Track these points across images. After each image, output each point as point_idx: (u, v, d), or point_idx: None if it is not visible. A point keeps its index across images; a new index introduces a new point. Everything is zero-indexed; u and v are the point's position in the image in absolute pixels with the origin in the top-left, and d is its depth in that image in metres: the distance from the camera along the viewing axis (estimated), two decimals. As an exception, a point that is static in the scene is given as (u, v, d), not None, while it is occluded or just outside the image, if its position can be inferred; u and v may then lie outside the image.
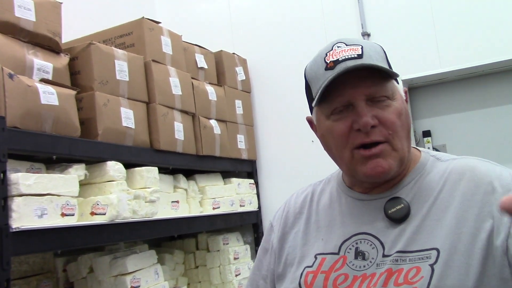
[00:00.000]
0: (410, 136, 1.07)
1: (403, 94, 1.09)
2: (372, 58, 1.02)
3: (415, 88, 3.00)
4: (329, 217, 1.15)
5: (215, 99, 2.75)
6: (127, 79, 2.16)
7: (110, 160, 1.93)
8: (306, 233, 1.16)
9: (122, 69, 2.14)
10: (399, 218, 1.02)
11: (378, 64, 1.01)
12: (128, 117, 2.11)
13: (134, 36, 2.38)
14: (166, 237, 2.88)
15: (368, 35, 2.94)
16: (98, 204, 1.82)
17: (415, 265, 0.96)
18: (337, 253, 1.07)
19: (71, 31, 2.34)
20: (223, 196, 2.70)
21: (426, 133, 2.95)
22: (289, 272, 1.14)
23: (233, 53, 3.13)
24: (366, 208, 1.09)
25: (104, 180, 1.90)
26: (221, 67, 2.99)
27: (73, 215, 1.71)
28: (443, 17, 2.81)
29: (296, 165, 3.04)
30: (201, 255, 2.75)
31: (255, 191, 3.01)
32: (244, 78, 3.14)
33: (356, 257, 1.04)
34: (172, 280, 2.52)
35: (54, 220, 1.63)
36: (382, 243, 1.02)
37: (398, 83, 1.09)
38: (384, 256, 1.01)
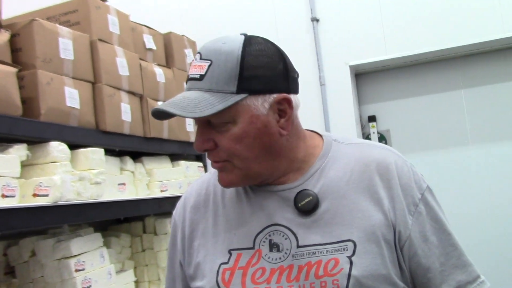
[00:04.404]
0: (272, 151, 1.03)
1: (262, 110, 1.00)
2: (212, 79, 0.97)
3: (361, 74, 3.07)
4: (237, 209, 1.12)
5: (164, 81, 2.71)
6: (72, 58, 2.10)
7: (54, 140, 1.87)
8: (215, 227, 1.12)
9: (66, 48, 2.08)
10: (309, 210, 1.04)
11: (214, 87, 0.97)
12: (72, 97, 2.05)
13: (80, 14, 2.31)
14: (113, 220, 2.83)
15: (317, 20, 2.98)
16: (40, 186, 1.77)
17: (333, 257, 0.99)
18: (252, 248, 1.06)
19: (12, 6, 2.25)
20: (171, 179, 2.68)
21: (371, 118, 3.03)
22: (203, 270, 1.10)
23: (183, 35, 3.10)
24: (275, 199, 1.08)
25: (47, 161, 1.84)
26: (170, 49, 2.95)
27: (14, 196, 1.66)
28: (389, 5, 2.87)
29: (244, 148, 3.05)
30: (148, 238, 2.72)
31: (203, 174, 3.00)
32: (193, 60, 3.10)
33: (271, 250, 1.04)
34: (118, 264, 2.49)
35: (-7, 202, 1.57)
36: (294, 234, 1.03)
37: (261, 100, 1.00)
38: (298, 247, 1.02)
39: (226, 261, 1.07)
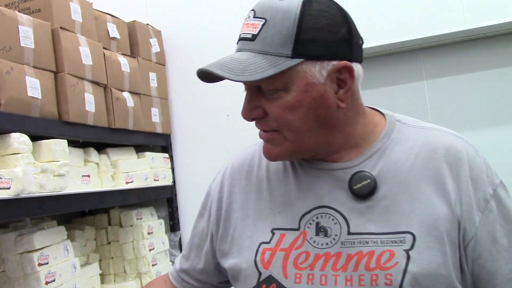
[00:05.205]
0: (328, 125, 0.95)
1: (319, 78, 0.91)
2: (266, 40, 0.89)
3: (327, 65, 3.08)
4: (283, 185, 1.03)
5: (128, 71, 2.66)
6: (32, 46, 2.03)
7: (15, 131, 1.81)
8: (257, 203, 1.04)
9: (27, 36, 2.01)
10: (365, 194, 0.94)
11: (267, 49, 0.89)
12: (34, 86, 1.99)
13: (40, 1, 2.23)
14: (76, 213, 2.79)
15: (283, 11, 2.97)
16: (1, 178, 1.71)
17: (388, 248, 0.89)
18: (297, 229, 0.97)
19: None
20: (136, 170, 2.64)
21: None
22: (240, 247, 1.02)
23: (147, 24, 3.05)
24: (327, 178, 0.99)
25: (8, 153, 1.79)
26: (135, 38, 2.90)
27: (-27, 189, 1.61)
28: (354, -4, 2.89)
29: (211, 139, 3.04)
30: (113, 230, 2.69)
31: (169, 166, 2.98)
32: (158, 50, 3.06)
33: (317, 233, 0.95)
34: (83, 257, 2.45)
35: (-49, 195, 1.52)
36: (346, 219, 0.94)
37: (317, 66, 0.91)
38: (349, 234, 0.93)
39: (267, 240, 0.98)
